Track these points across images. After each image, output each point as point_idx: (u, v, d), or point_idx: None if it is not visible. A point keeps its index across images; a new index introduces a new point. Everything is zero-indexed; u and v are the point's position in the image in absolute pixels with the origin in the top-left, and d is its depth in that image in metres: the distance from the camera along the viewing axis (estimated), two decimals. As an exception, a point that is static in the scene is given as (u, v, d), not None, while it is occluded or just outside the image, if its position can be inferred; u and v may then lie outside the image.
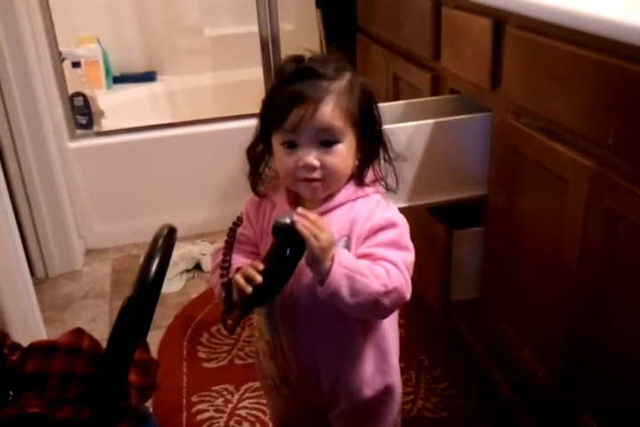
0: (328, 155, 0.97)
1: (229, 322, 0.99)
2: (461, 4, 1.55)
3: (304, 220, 0.93)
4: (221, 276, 0.98)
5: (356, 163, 1.03)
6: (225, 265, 0.98)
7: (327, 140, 0.97)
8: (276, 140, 1.00)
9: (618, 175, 1.09)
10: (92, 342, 1.01)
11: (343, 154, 0.98)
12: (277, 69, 1.03)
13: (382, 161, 1.05)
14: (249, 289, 0.93)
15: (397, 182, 1.05)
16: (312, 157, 0.97)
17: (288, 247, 0.94)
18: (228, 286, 0.97)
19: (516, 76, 1.35)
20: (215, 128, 2.55)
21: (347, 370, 1.08)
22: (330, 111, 0.96)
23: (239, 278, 0.94)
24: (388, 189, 1.06)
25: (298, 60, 0.99)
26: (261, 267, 0.94)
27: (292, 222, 0.92)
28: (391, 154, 1.05)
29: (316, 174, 0.98)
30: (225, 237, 1.00)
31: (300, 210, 0.94)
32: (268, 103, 1.01)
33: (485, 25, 1.42)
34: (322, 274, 0.94)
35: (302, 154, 0.97)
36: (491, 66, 1.43)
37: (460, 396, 1.71)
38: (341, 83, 0.98)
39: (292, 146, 0.98)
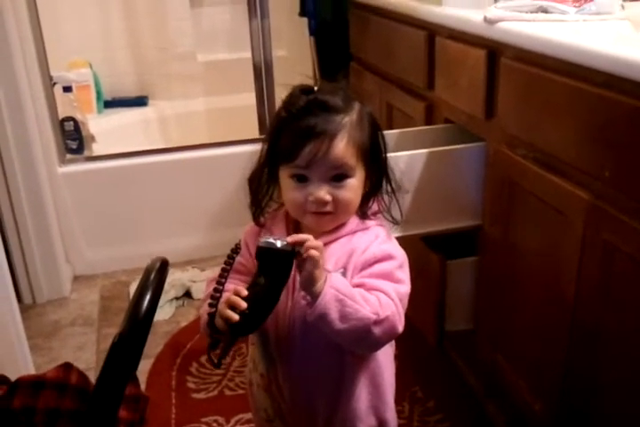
0: (340, 189, 0.96)
1: (216, 352, 0.95)
2: (455, 35, 1.55)
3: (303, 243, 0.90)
4: (210, 305, 0.94)
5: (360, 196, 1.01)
6: (216, 295, 0.95)
7: (339, 175, 0.96)
8: (285, 173, 0.98)
9: (614, 208, 1.08)
10: (80, 377, 0.98)
11: (354, 188, 0.98)
12: (285, 100, 0.99)
13: (386, 193, 1.04)
14: (235, 317, 0.89)
15: (401, 215, 1.05)
16: (324, 193, 0.96)
17: (273, 271, 0.90)
18: (213, 316, 0.94)
19: (511, 106, 1.35)
20: (206, 154, 2.54)
21: (341, 406, 1.06)
22: (343, 147, 0.95)
23: (223, 307, 0.91)
24: (391, 221, 1.05)
25: (306, 91, 0.97)
26: (245, 293, 0.91)
27: (283, 246, 0.89)
28: (394, 185, 1.04)
29: (328, 208, 0.97)
30: (221, 266, 0.97)
31: (290, 238, 0.90)
32: (275, 137, 0.98)
33: (480, 56, 1.43)
34: (314, 295, 0.91)
35: (313, 189, 0.96)
36: (485, 96, 1.43)
37: (453, 428, 1.68)
38: (352, 116, 0.97)
39: (302, 179, 0.97)
